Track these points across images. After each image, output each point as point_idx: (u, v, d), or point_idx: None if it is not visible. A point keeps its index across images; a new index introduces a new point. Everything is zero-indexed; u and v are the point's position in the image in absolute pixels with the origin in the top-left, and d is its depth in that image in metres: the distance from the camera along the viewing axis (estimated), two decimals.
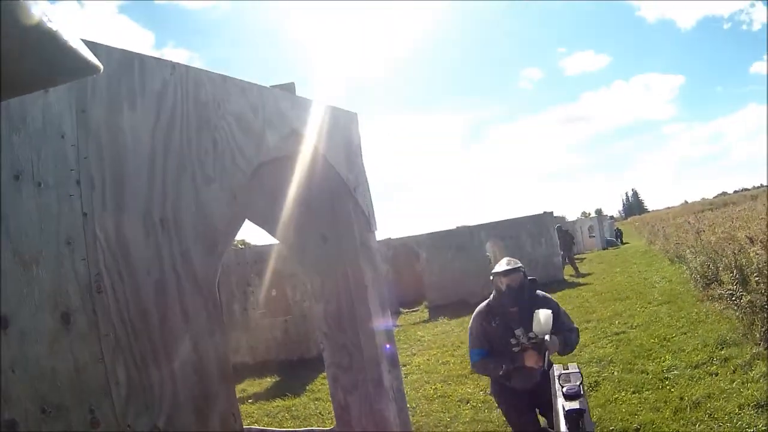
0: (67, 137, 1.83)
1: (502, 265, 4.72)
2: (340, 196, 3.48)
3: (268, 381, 11.17)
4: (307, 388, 9.99)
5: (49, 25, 0.67)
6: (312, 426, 7.31)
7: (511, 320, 4.53)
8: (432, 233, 20.06)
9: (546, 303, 4.55)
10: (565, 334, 4.51)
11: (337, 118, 3.45)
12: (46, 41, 0.67)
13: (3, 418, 1.53)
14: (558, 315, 4.48)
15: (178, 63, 2.30)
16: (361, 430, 3.49)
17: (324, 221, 3.52)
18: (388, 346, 3.60)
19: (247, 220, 3.24)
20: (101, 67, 0.76)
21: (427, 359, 10.99)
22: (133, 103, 2.07)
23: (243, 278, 13.31)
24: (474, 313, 4.79)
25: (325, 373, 9.92)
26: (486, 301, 4.80)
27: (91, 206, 1.85)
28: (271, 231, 3.43)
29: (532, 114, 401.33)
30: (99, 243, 1.85)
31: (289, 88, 3.07)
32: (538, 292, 4.73)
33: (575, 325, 4.74)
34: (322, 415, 8.20)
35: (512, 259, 4.81)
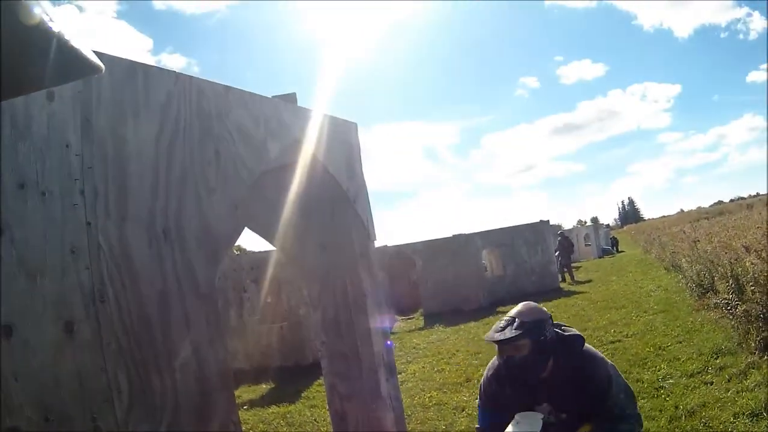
0: (71, 147, 1.84)
1: (497, 327, 3.13)
2: (339, 205, 3.50)
3: (264, 387, 11.15)
4: (303, 395, 9.97)
5: (51, 25, 0.68)
6: None
7: (529, 394, 3.15)
8: (428, 241, 20.04)
9: (590, 372, 3.08)
10: (608, 427, 3.01)
11: (337, 127, 3.48)
12: (47, 41, 0.67)
13: (5, 426, 1.54)
14: (606, 394, 3.03)
15: (181, 73, 2.32)
16: None
17: (323, 230, 3.54)
18: (389, 342, 3.61)
19: (246, 228, 3.26)
20: (103, 67, 0.76)
21: (423, 367, 10.99)
22: (137, 114, 2.08)
23: (239, 284, 13.30)
24: (488, 366, 3.51)
25: (320, 380, 9.94)
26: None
27: (95, 216, 1.86)
28: (270, 239, 3.44)
29: (528, 122, 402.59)
30: (102, 252, 1.87)
31: (290, 98, 3.09)
32: (587, 348, 3.21)
33: (636, 411, 3.23)
34: (318, 422, 8.20)
35: (524, 309, 3.15)
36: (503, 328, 3.06)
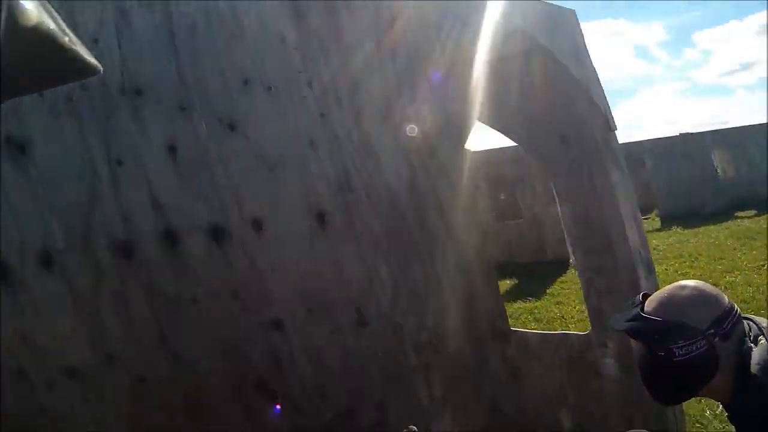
0: (288, 41, 1.66)
1: (628, 302, 1.58)
2: (573, 94, 2.98)
3: (507, 283, 10.52)
4: (547, 291, 9.46)
5: (50, 25, 0.62)
6: (556, 329, 6.90)
7: None
8: (655, 139, 17.75)
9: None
10: None
11: (558, 16, 2.96)
12: (46, 41, 0.62)
13: (268, 317, 1.42)
14: None
15: None
16: (617, 337, 3.07)
17: (560, 121, 3.05)
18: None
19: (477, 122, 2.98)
20: (101, 68, 0.67)
21: (665, 269, 9.82)
22: (351, 5, 1.85)
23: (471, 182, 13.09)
24: None
25: (563, 277, 9.51)
26: None
27: (327, 107, 1.67)
28: (506, 132, 3.10)
29: (738, 19, 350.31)
30: (341, 143, 1.67)
31: None
32: None
33: None
34: (566, 319, 7.68)
35: (667, 295, 1.47)
36: (626, 308, 1.58)
